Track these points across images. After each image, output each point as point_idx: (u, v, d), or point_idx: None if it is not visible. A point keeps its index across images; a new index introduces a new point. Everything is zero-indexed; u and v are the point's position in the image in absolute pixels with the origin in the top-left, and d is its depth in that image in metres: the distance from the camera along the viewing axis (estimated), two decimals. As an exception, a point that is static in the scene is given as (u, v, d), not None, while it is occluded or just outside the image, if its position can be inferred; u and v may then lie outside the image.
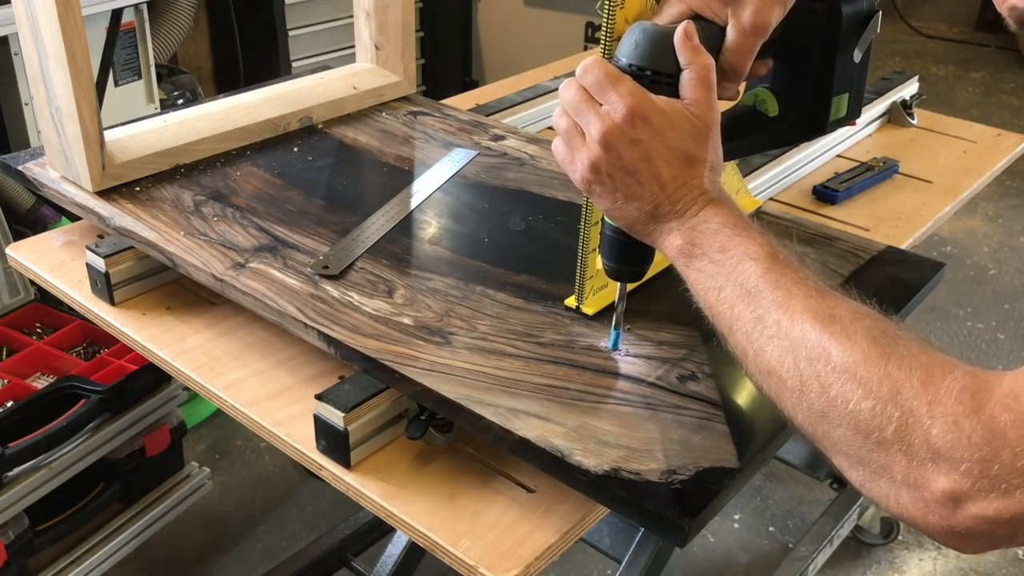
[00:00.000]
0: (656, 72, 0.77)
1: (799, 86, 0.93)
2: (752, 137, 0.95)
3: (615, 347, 0.92)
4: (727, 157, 0.81)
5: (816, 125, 0.95)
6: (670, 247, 0.76)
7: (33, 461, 1.57)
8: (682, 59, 0.76)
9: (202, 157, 1.25)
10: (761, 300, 0.69)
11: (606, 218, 0.84)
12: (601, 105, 0.76)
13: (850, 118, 0.96)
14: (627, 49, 0.78)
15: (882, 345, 0.62)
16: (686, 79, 0.76)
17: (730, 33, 0.80)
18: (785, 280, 0.69)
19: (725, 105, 0.84)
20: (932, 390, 0.58)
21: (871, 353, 0.62)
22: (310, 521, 2.06)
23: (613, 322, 0.91)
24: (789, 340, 0.66)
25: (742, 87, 0.88)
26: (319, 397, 0.86)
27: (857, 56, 0.92)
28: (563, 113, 0.79)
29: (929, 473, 0.57)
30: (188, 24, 2.66)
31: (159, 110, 2.40)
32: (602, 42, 0.85)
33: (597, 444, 0.79)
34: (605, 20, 0.84)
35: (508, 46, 3.65)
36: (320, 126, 1.38)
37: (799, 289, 0.68)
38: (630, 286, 0.91)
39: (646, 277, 1.02)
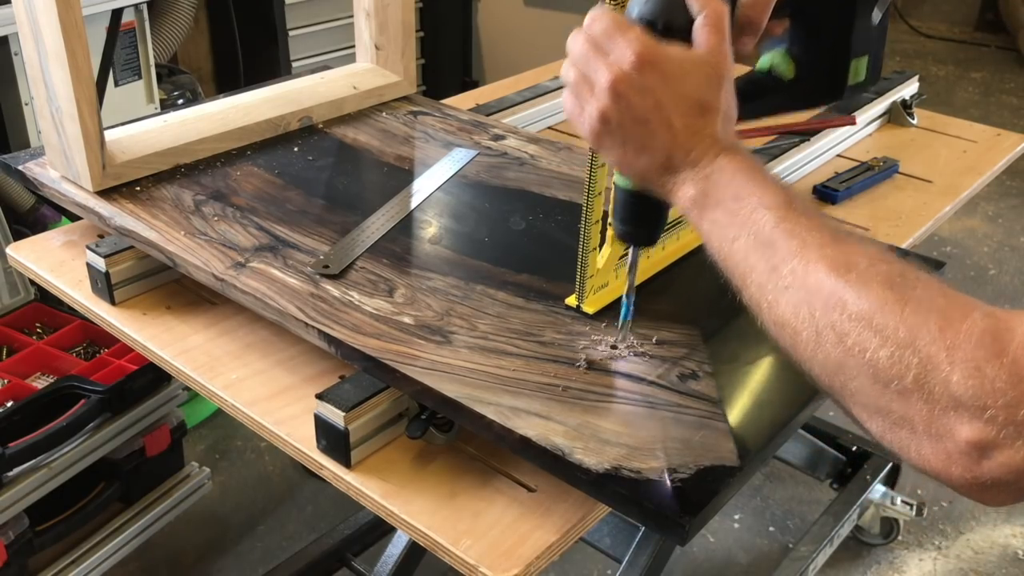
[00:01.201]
0: (668, 24, 0.75)
1: (815, 48, 0.90)
2: (767, 99, 0.92)
3: (626, 317, 0.91)
4: (741, 119, 0.79)
5: (834, 89, 0.92)
6: (683, 198, 0.73)
7: (33, 461, 1.57)
8: (694, 6, 0.74)
9: (202, 157, 1.25)
10: (776, 250, 0.66)
11: (617, 177, 0.82)
12: (609, 55, 0.73)
13: (869, 83, 0.93)
14: (637, 2, 0.76)
15: (899, 290, 0.60)
16: (698, 26, 0.74)
17: None
18: (800, 228, 0.66)
19: (741, 70, 0.82)
20: (950, 335, 0.56)
21: (887, 299, 0.60)
22: (310, 521, 2.06)
23: (625, 290, 0.90)
24: (804, 290, 0.64)
25: (755, 53, 0.87)
26: (320, 396, 0.86)
27: (876, 17, 0.89)
28: (571, 65, 0.76)
29: (952, 422, 0.55)
30: (188, 24, 2.66)
31: (159, 110, 2.40)
32: None
33: (598, 443, 0.79)
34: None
35: (508, 46, 3.65)
36: (320, 126, 1.38)
37: (814, 237, 0.66)
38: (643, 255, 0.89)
39: (644, 278, 1.03)
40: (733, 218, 0.70)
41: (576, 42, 0.76)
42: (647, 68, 0.72)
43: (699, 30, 0.74)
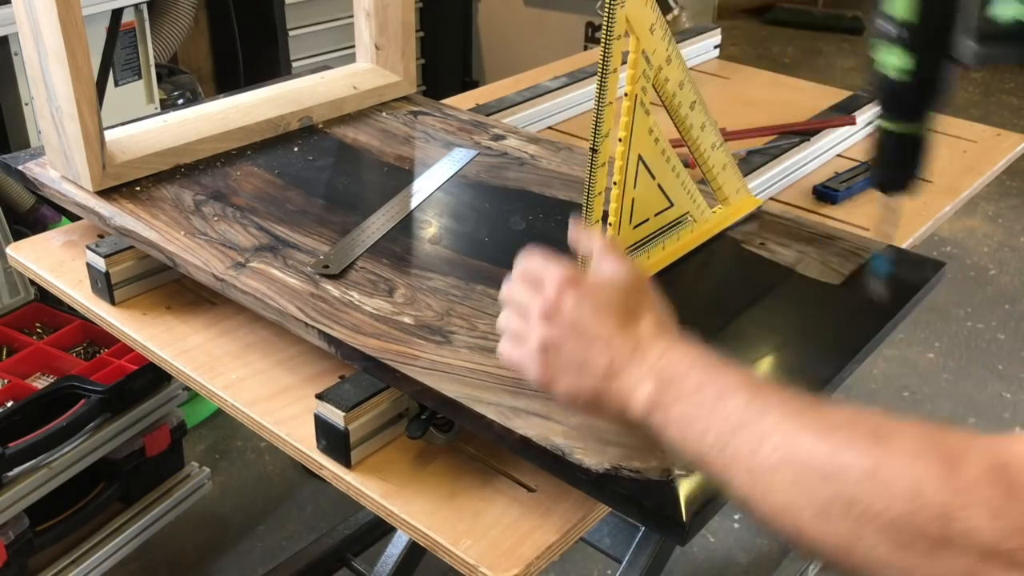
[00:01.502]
0: None
1: None
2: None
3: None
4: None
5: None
6: (639, 401, 0.69)
7: (33, 461, 1.57)
8: (582, 246, 0.82)
9: (202, 157, 1.25)
10: (753, 432, 0.62)
11: (882, 122, 0.84)
12: (538, 288, 0.76)
13: None
14: None
15: (889, 442, 0.57)
16: (600, 258, 0.79)
17: None
18: (770, 404, 0.63)
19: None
20: (958, 479, 0.52)
21: (882, 454, 0.56)
22: (310, 521, 2.06)
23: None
24: (795, 464, 0.59)
25: None
26: (320, 396, 0.86)
27: None
28: (506, 311, 0.79)
29: (990, 570, 0.51)
30: (188, 24, 2.66)
31: (159, 110, 2.40)
32: (602, 42, 0.85)
33: (598, 442, 0.79)
34: (606, 19, 0.84)
35: (508, 46, 3.65)
36: (320, 126, 1.38)
37: (787, 408, 0.62)
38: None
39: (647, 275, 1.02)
40: (699, 410, 0.66)
41: (508, 288, 0.79)
42: (572, 287, 0.74)
43: (602, 261, 0.79)
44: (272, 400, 0.95)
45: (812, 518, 0.58)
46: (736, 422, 0.63)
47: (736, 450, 0.62)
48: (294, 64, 2.99)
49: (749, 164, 1.39)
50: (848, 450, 0.57)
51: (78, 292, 1.13)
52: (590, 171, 0.90)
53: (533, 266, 0.78)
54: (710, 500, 0.75)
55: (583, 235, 0.83)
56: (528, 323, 0.75)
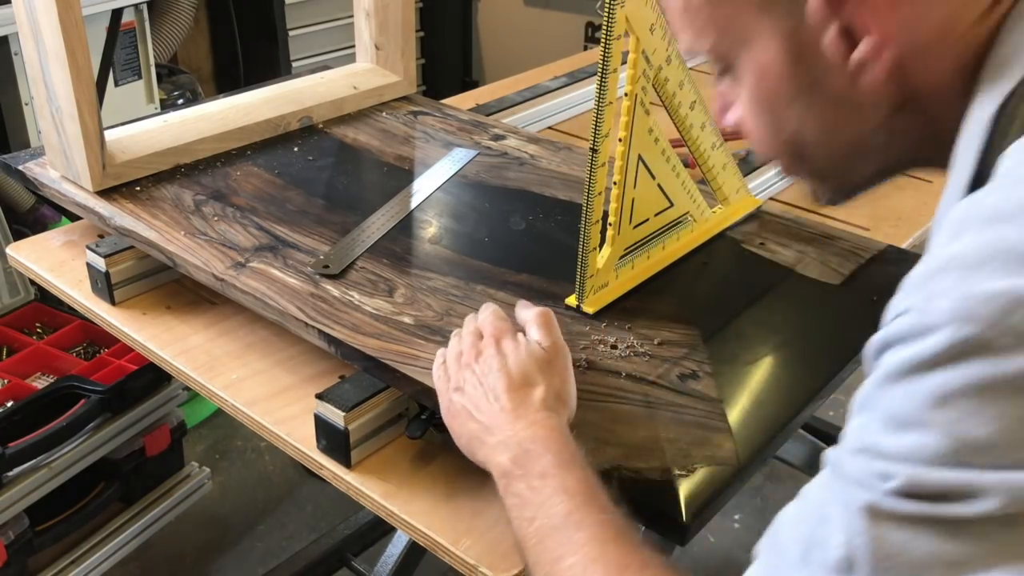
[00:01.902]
0: None
1: None
2: None
3: None
4: None
5: None
6: (497, 466, 0.73)
7: (33, 461, 1.56)
8: (521, 315, 0.86)
9: (202, 157, 1.25)
10: (562, 541, 0.65)
11: None
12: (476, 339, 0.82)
13: None
14: None
15: None
16: (530, 326, 0.83)
17: None
18: (587, 522, 0.66)
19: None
20: None
21: None
22: (310, 521, 2.06)
23: None
24: None
25: None
26: (320, 396, 0.86)
27: None
28: (454, 343, 0.83)
29: None
30: (188, 24, 2.66)
31: (159, 110, 2.40)
32: (602, 42, 0.85)
33: (597, 442, 0.79)
34: (606, 19, 0.84)
35: (508, 46, 3.65)
36: (320, 126, 1.38)
37: (598, 532, 0.65)
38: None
39: (644, 278, 1.03)
40: (535, 496, 0.69)
41: (463, 332, 0.84)
42: (495, 343, 0.80)
43: (530, 329, 0.83)
44: (272, 400, 0.95)
45: None
46: (555, 524, 0.66)
47: (545, 550, 0.66)
48: (294, 64, 2.99)
49: (749, 164, 1.39)
50: None
51: (78, 292, 1.13)
52: (590, 171, 0.90)
53: (486, 318, 0.84)
54: (710, 500, 0.76)
55: (521, 307, 0.87)
56: (456, 363, 0.81)
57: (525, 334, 0.83)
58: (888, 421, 0.47)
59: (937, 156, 0.58)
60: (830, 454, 0.52)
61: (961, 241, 0.47)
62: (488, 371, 0.78)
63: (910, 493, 0.45)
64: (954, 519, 0.44)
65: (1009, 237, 0.45)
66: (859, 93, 0.57)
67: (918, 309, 0.46)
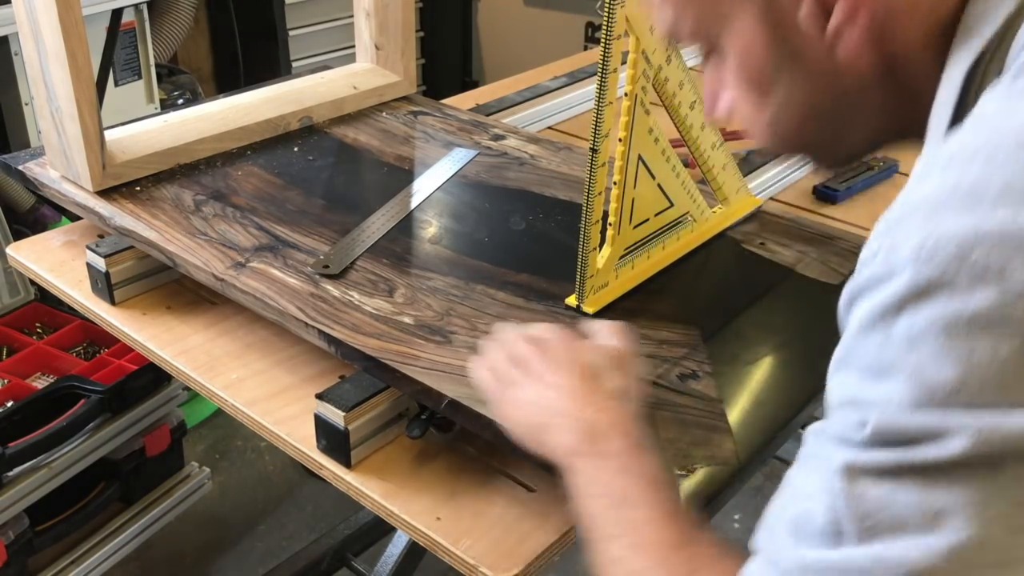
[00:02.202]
0: None
1: None
2: None
3: None
4: None
5: None
6: (563, 445, 0.73)
7: (33, 461, 1.57)
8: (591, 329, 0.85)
9: (202, 157, 1.25)
10: (622, 518, 0.66)
11: None
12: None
13: None
14: None
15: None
16: (602, 333, 0.83)
17: None
18: (651, 502, 0.66)
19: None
20: None
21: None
22: (310, 521, 2.06)
23: None
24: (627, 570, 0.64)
25: None
26: (320, 396, 0.86)
27: None
28: (496, 349, 0.82)
29: None
30: (188, 24, 2.66)
31: (159, 110, 2.40)
32: (602, 42, 0.85)
33: (598, 443, 0.79)
34: (606, 19, 0.84)
35: (508, 46, 3.65)
36: (320, 126, 1.38)
37: (658, 514, 0.65)
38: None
39: (645, 277, 1.03)
40: (600, 475, 0.70)
41: (507, 344, 0.83)
42: (560, 341, 0.80)
43: (601, 335, 0.82)
44: (272, 400, 0.95)
45: None
46: (619, 502, 0.66)
47: (608, 526, 0.66)
48: (294, 64, 2.99)
49: (749, 164, 1.39)
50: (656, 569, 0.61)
51: (78, 292, 1.13)
52: (590, 171, 0.90)
53: (545, 327, 0.83)
54: (710, 500, 0.76)
55: (590, 324, 0.86)
56: (507, 364, 0.80)
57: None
58: (864, 372, 0.47)
59: (922, 125, 0.58)
60: (808, 429, 0.52)
61: (926, 183, 0.47)
62: (556, 365, 0.77)
63: (882, 440, 0.46)
64: (928, 465, 0.44)
65: (971, 175, 0.44)
66: (839, 64, 0.57)
67: (884, 253, 0.46)
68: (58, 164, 1.19)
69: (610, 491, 0.67)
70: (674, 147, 1.01)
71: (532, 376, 0.78)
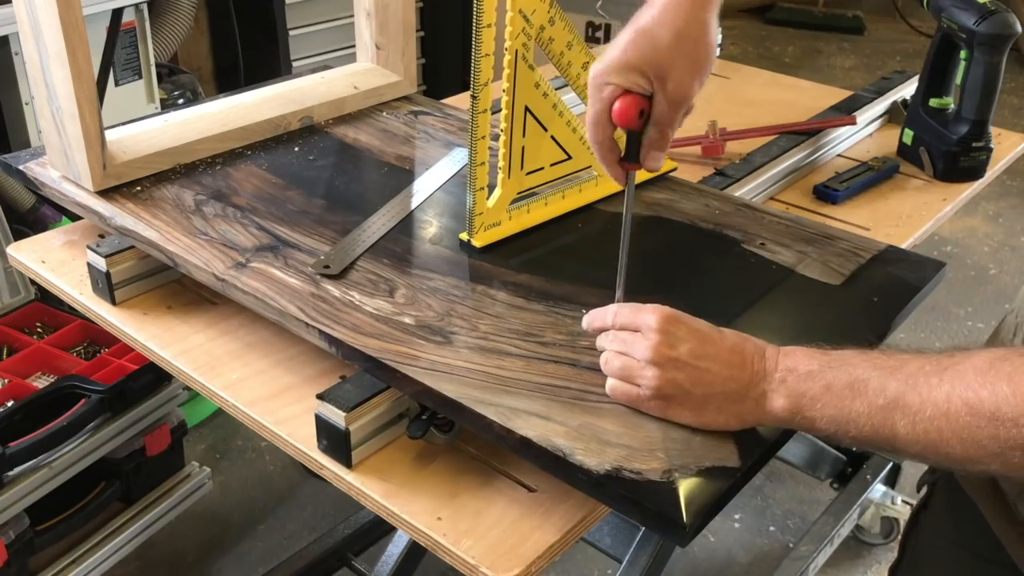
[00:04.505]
0: None
1: None
2: None
3: None
4: None
5: None
6: (775, 411, 0.76)
7: (33, 461, 1.57)
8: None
9: (203, 157, 1.25)
10: (903, 402, 0.69)
11: None
12: (639, 333, 0.81)
13: None
14: None
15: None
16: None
17: (656, 104, 0.86)
18: (905, 370, 0.70)
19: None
20: None
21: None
22: (310, 521, 2.06)
23: None
24: (955, 420, 0.67)
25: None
26: (320, 396, 0.86)
27: None
28: (612, 357, 0.83)
29: None
30: (188, 24, 2.66)
31: (159, 110, 2.40)
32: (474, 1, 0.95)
33: (598, 443, 0.79)
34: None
35: (508, 46, 3.64)
36: (321, 126, 1.38)
37: (919, 366, 0.70)
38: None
39: (543, 220, 1.12)
40: (841, 401, 0.72)
41: (606, 339, 0.84)
42: (673, 324, 0.80)
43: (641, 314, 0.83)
44: (272, 400, 0.95)
45: (989, 457, 0.66)
46: (890, 399, 0.70)
47: (897, 424, 0.70)
48: (294, 64, 2.99)
49: (750, 164, 1.39)
50: (993, 392, 0.65)
51: (79, 292, 1.13)
52: (471, 116, 1.00)
53: (627, 310, 0.84)
54: (711, 501, 0.75)
55: (626, 307, 0.86)
56: (641, 368, 0.80)
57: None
58: None
59: None
60: None
61: None
62: (696, 353, 0.78)
63: None
64: None
65: None
66: None
67: None
68: (59, 164, 1.19)
69: (870, 401, 0.70)
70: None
71: (677, 365, 0.78)
